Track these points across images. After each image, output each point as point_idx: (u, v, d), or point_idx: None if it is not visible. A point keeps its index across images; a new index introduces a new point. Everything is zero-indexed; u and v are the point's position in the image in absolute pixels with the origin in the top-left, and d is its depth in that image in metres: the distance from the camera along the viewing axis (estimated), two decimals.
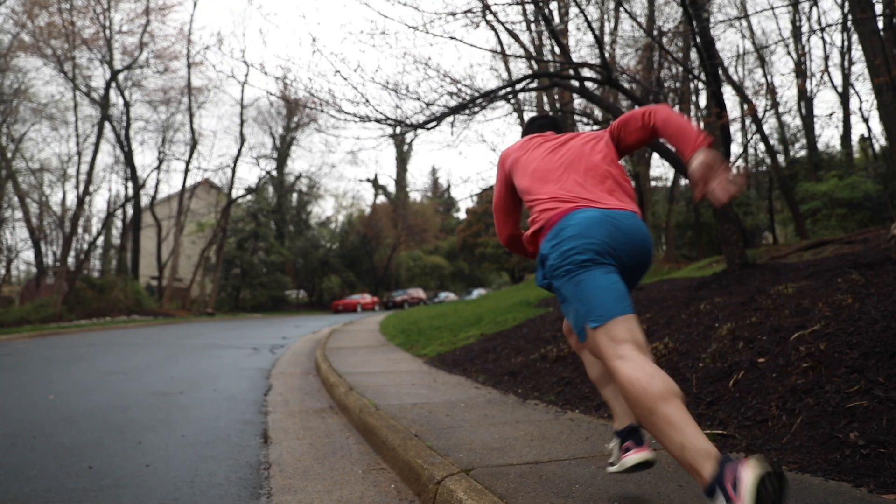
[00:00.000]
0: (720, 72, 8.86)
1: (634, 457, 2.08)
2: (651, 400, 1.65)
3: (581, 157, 2.15)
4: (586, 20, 7.68)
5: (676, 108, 15.32)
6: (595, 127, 12.40)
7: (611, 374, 1.85)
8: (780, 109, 23.24)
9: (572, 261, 1.91)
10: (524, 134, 2.58)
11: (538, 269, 2.16)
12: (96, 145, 25.02)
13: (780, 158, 24.31)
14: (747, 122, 21.66)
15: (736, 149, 23.76)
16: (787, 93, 35.14)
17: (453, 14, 7.31)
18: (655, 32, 12.98)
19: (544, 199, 2.09)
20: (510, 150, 2.39)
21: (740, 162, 26.64)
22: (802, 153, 25.42)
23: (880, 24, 9.50)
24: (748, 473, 1.42)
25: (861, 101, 31.69)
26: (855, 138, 28.25)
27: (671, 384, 1.69)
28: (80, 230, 26.30)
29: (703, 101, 23.06)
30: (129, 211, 30.56)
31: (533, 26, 9.75)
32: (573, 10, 10.03)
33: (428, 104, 7.54)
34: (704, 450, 1.56)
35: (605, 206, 1.99)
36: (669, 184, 26.88)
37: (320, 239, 44.00)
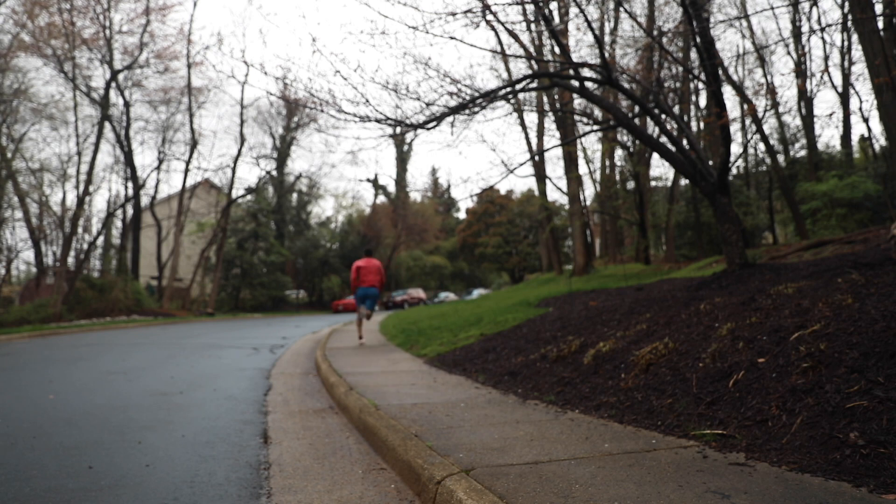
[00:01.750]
0: (720, 72, 8.86)
1: (358, 341, 9.71)
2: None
3: (372, 269, 10.00)
4: (586, 20, 7.68)
5: (676, 108, 15.32)
6: (595, 127, 12.39)
7: (365, 320, 10.12)
8: (780, 109, 23.26)
9: (377, 295, 10.17)
10: (365, 251, 10.23)
11: (363, 293, 9.91)
12: (96, 145, 25.03)
13: (780, 158, 24.31)
14: (747, 122, 21.67)
15: (736, 149, 23.77)
16: (787, 93, 35.25)
17: (453, 14, 7.31)
18: (655, 32, 12.98)
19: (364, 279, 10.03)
20: (359, 262, 10.01)
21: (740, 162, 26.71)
22: (802, 153, 25.43)
23: (880, 24, 9.50)
24: None
25: (861, 101, 31.65)
26: (855, 138, 28.30)
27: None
28: (80, 230, 26.30)
29: (703, 101, 23.11)
30: (129, 211, 30.58)
31: (533, 26, 9.75)
32: (573, 10, 10.03)
33: (428, 104, 7.54)
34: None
35: (371, 285, 9.99)
36: (669, 184, 26.90)
37: (320, 239, 44.02)
